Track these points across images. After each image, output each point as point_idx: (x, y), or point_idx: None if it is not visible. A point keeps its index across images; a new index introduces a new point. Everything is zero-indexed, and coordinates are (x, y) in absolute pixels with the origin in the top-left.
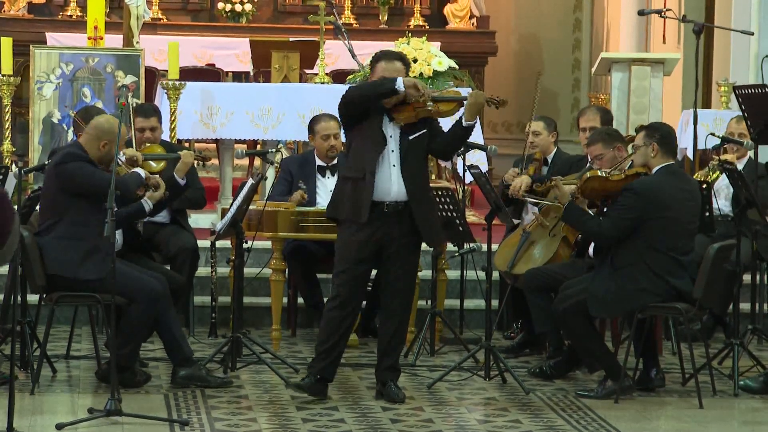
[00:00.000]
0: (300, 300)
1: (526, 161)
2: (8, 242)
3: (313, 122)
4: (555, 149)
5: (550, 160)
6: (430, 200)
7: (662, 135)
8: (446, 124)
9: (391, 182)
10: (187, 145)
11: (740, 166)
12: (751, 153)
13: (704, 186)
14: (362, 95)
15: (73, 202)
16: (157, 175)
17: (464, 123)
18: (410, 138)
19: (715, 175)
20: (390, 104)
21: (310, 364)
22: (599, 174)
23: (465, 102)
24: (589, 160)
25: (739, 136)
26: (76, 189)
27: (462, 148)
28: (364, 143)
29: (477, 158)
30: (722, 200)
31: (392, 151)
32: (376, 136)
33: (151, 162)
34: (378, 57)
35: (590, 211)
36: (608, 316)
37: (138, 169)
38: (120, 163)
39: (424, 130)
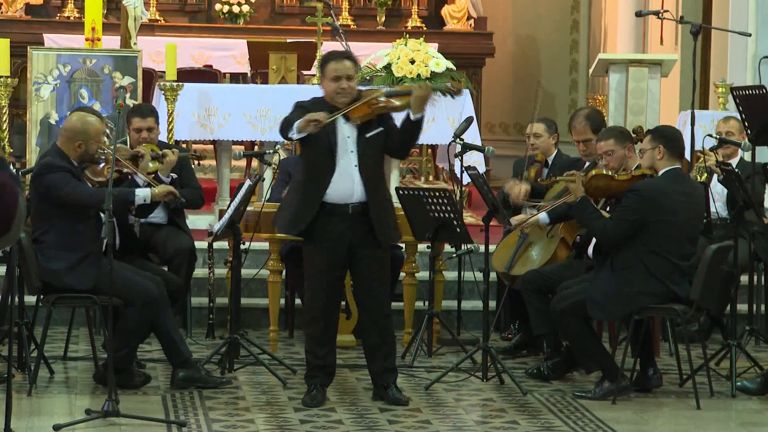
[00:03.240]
0: (297, 301)
1: (527, 163)
2: (13, 226)
3: None
4: (556, 151)
5: (550, 162)
6: (386, 198)
7: (668, 138)
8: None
9: (354, 183)
10: (184, 145)
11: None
12: (745, 153)
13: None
14: (282, 132)
15: (57, 211)
16: (164, 187)
17: (412, 116)
18: (367, 136)
19: (703, 177)
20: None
21: (310, 375)
22: (605, 173)
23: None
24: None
25: (726, 134)
26: (55, 200)
27: (462, 150)
28: (315, 157)
29: (474, 159)
30: (718, 203)
31: (351, 152)
32: (331, 151)
33: (148, 163)
34: (327, 58)
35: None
36: (607, 319)
37: (142, 191)
38: (119, 161)
39: (381, 129)
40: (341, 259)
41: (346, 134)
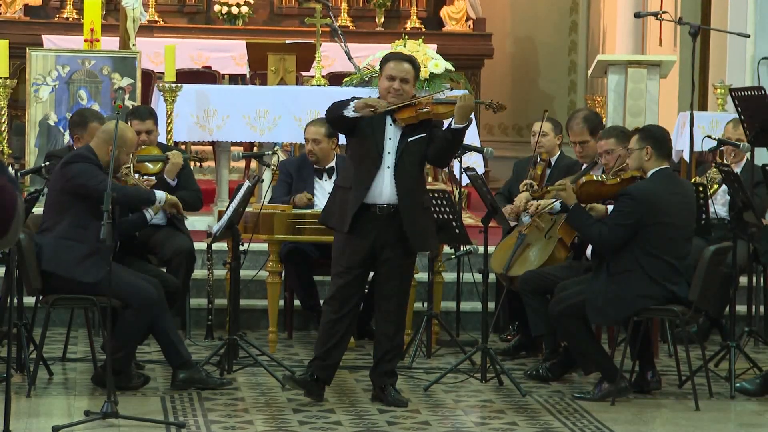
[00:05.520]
0: (296, 302)
1: (532, 162)
2: (11, 228)
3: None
4: (559, 152)
5: (553, 163)
6: (421, 205)
7: (656, 138)
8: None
9: (383, 185)
10: (183, 147)
11: (738, 169)
12: (747, 155)
13: (700, 189)
14: (331, 119)
15: (75, 203)
16: (173, 197)
17: (453, 125)
18: (409, 140)
19: (714, 188)
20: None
21: (308, 364)
22: (595, 178)
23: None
24: (597, 154)
25: (737, 140)
26: (77, 189)
27: (459, 152)
28: (358, 155)
29: (473, 160)
30: (719, 206)
31: (389, 153)
32: (371, 151)
33: (148, 164)
34: (387, 58)
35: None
36: (607, 324)
37: (159, 193)
38: (126, 173)
39: (424, 134)
40: (362, 259)
41: (389, 136)
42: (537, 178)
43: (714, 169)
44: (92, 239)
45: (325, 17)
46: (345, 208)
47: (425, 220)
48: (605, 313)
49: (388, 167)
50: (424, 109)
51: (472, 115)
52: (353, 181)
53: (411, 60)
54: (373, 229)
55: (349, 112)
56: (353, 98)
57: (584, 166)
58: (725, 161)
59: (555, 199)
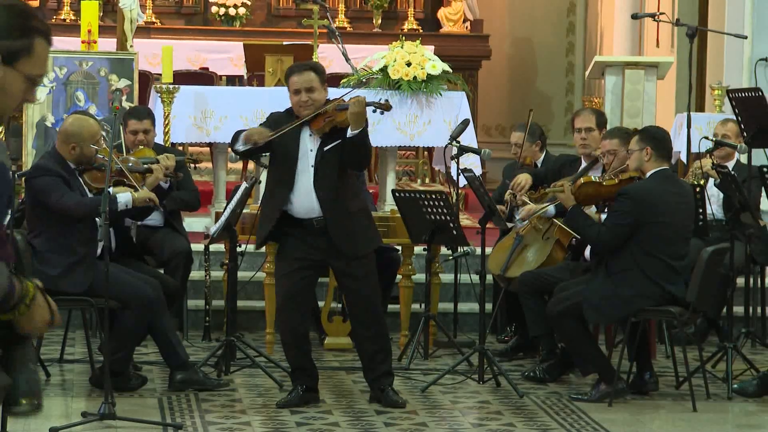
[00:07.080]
0: None
1: (517, 168)
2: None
3: None
4: (543, 154)
5: (540, 165)
6: (346, 211)
7: (656, 139)
8: None
9: (312, 200)
10: (180, 148)
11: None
12: (742, 156)
13: (698, 190)
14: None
15: (48, 215)
16: (140, 196)
17: (348, 133)
18: (324, 150)
19: (701, 182)
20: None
21: (292, 378)
22: (593, 180)
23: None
24: (598, 155)
25: (723, 137)
26: (44, 204)
27: (458, 152)
28: (278, 173)
29: (471, 162)
30: (714, 206)
31: (312, 166)
32: (290, 168)
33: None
34: (289, 72)
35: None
36: (604, 323)
37: (120, 195)
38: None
39: (339, 141)
40: (309, 267)
41: (309, 147)
42: None
43: (702, 161)
44: (75, 248)
45: (322, 18)
46: (288, 222)
47: (357, 225)
48: (602, 312)
49: (313, 182)
50: (329, 117)
51: (469, 116)
52: (278, 195)
53: (312, 67)
54: (316, 241)
55: (240, 147)
56: (266, 121)
57: (583, 165)
58: (713, 160)
59: (549, 203)
